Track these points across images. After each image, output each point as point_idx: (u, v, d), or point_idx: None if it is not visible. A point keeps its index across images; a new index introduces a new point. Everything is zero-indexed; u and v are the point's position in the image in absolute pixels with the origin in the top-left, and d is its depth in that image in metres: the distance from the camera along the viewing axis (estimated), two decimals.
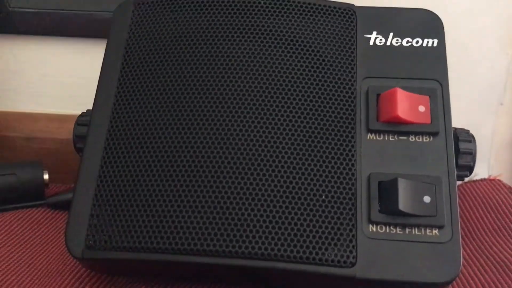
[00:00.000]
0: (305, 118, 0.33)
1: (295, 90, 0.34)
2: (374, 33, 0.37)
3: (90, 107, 0.38)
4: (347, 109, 0.34)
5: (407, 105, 0.34)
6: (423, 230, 0.31)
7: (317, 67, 0.35)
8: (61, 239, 0.40)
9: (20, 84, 0.52)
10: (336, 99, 0.34)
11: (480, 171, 0.49)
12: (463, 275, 0.35)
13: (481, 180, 0.47)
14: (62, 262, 0.37)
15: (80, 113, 0.39)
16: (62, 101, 0.52)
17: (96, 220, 0.32)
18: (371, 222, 0.31)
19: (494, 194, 0.43)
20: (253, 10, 0.37)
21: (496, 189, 0.44)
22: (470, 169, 0.35)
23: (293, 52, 0.36)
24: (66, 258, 0.38)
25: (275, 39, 0.36)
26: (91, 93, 0.37)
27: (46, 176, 0.44)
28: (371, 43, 0.36)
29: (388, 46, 0.36)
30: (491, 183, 0.46)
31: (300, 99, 0.34)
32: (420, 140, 0.33)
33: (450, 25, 0.38)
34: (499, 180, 0.46)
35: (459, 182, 0.38)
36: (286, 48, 0.36)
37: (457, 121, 0.35)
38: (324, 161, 0.32)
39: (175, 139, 0.33)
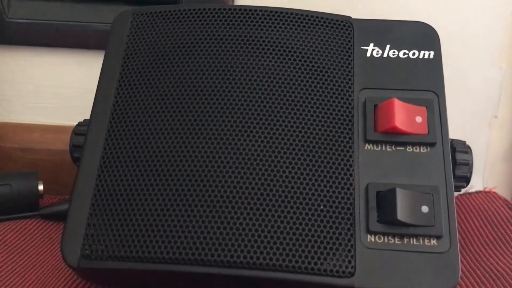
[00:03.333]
0: (303, 128, 0.34)
1: (293, 101, 0.34)
2: (371, 45, 0.37)
3: (86, 118, 0.38)
4: (344, 120, 0.34)
5: (404, 115, 0.34)
6: (421, 240, 0.31)
7: (315, 78, 0.35)
8: (55, 250, 0.40)
9: (15, 94, 0.52)
10: (334, 110, 0.34)
11: (475, 184, 0.49)
12: (461, 287, 0.35)
13: (477, 192, 0.47)
14: (56, 273, 0.37)
15: (75, 124, 0.39)
16: (58, 112, 0.52)
17: (93, 229, 0.32)
18: (369, 232, 0.31)
19: (489, 206, 0.43)
20: (252, 21, 0.37)
21: (491, 201, 0.44)
22: (467, 180, 0.36)
23: (291, 63, 0.36)
24: (60, 269, 0.37)
25: (273, 50, 0.36)
26: (87, 104, 0.37)
27: (41, 187, 0.43)
28: (368, 54, 0.37)
29: (385, 57, 0.37)
30: (486, 195, 0.46)
31: (298, 110, 0.34)
32: (418, 150, 0.34)
33: (444, 39, 0.38)
34: (494, 192, 0.46)
35: (455, 194, 0.38)
36: (284, 59, 0.36)
37: (451, 134, 0.35)
38: (322, 171, 0.32)
39: (172, 149, 0.33)
